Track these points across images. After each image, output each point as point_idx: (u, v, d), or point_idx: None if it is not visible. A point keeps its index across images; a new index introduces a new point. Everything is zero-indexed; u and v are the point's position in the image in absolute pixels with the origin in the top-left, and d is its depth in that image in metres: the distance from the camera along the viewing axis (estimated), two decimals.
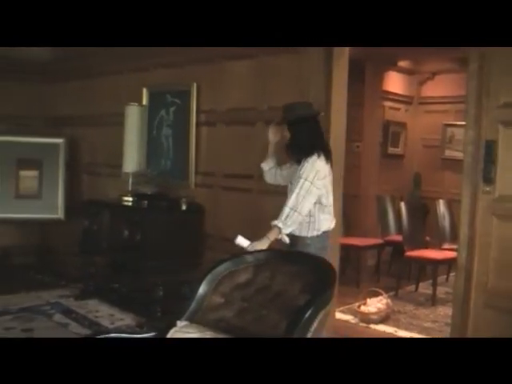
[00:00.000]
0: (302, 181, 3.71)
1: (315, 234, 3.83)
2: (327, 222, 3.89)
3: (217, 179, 5.44)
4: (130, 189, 5.86)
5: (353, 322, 5.66)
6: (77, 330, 5.19)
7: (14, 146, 7.02)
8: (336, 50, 4.64)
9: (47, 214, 6.97)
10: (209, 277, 3.05)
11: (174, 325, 2.92)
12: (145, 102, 6.07)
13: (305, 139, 3.85)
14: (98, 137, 6.91)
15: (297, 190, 3.70)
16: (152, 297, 5.29)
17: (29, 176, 7.07)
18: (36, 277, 6.98)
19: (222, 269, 3.06)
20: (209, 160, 5.53)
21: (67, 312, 5.70)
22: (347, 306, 5.98)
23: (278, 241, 3.72)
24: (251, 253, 3.13)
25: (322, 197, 3.82)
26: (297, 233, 3.79)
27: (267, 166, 4.20)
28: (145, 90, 6.10)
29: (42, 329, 5.21)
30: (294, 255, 3.22)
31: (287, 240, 3.74)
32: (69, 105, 7.41)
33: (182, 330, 2.85)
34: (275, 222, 3.69)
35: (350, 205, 6.78)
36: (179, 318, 2.98)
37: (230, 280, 3.06)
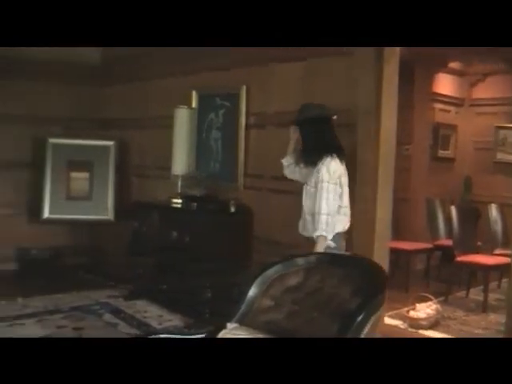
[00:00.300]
0: (325, 184, 3.84)
1: (330, 235, 3.88)
2: (342, 223, 3.97)
3: (266, 181, 5.44)
4: (179, 191, 5.90)
5: (402, 327, 5.58)
6: (125, 330, 5.26)
7: (66, 148, 7.19)
8: (386, 50, 4.57)
9: (97, 215, 7.08)
10: (259, 279, 3.05)
11: (224, 327, 2.92)
12: (194, 104, 6.12)
13: (313, 141, 4.00)
14: (148, 139, 7.00)
15: (324, 195, 3.82)
16: (200, 298, 5.31)
17: (80, 178, 7.20)
18: (86, 277, 7.10)
19: (272, 271, 3.06)
20: (258, 162, 5.54)
21: (116, 312, 5.78)
22: (396, 311, 5.89)
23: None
24: (302, 255, 3.12)
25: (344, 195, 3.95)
26: (311, 234, 3.92)
27: (286, 161, 4.36)
28: (194, 93, 6.15)
29: (92, 328, 5.29)
30: (344, 258, 3.19)
31: (333, 244, 3.82)
32: (119, 107, 7.54)
33: (232, 332, 2.85)
34: (319, 233, 3.80)
35: (400, 208, 6.70)
36: (228, 320, 2.99)
37: (280, 283, 3.05)
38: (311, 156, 3.97)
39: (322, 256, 3.08)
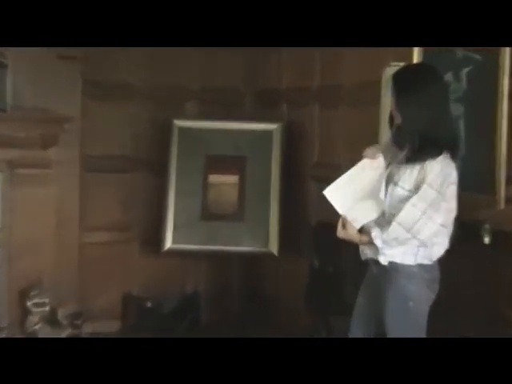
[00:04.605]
0: (429, 190, 2.71)
1: (426, 262, 2.84)
2: (443, 247, 2.87)
3: None
4: None
5: None
6: None
7: None
8: None
9: None
10: None
11: None
12: (415, 61, 3.87)
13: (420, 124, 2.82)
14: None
15: (415, 201, 2.72)
16: None
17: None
18: None
19: None
20: None
21: None
22: None
23: None
24: None
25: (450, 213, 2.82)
26: (398, 259, 2.81)
27: None
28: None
29: None
30: None
31: (368, 255, 2.91)
32: None
33: None
34: (374, 233, 2.76)
35: None
36: None
37: None
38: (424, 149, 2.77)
39: None
